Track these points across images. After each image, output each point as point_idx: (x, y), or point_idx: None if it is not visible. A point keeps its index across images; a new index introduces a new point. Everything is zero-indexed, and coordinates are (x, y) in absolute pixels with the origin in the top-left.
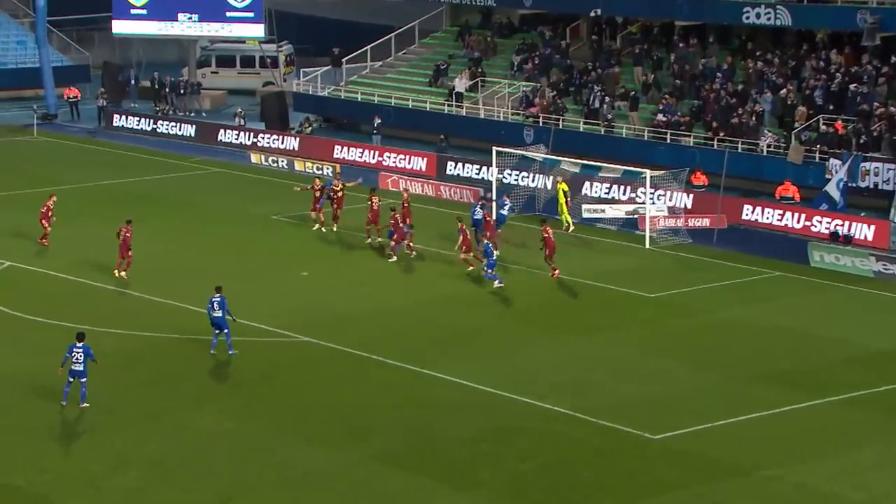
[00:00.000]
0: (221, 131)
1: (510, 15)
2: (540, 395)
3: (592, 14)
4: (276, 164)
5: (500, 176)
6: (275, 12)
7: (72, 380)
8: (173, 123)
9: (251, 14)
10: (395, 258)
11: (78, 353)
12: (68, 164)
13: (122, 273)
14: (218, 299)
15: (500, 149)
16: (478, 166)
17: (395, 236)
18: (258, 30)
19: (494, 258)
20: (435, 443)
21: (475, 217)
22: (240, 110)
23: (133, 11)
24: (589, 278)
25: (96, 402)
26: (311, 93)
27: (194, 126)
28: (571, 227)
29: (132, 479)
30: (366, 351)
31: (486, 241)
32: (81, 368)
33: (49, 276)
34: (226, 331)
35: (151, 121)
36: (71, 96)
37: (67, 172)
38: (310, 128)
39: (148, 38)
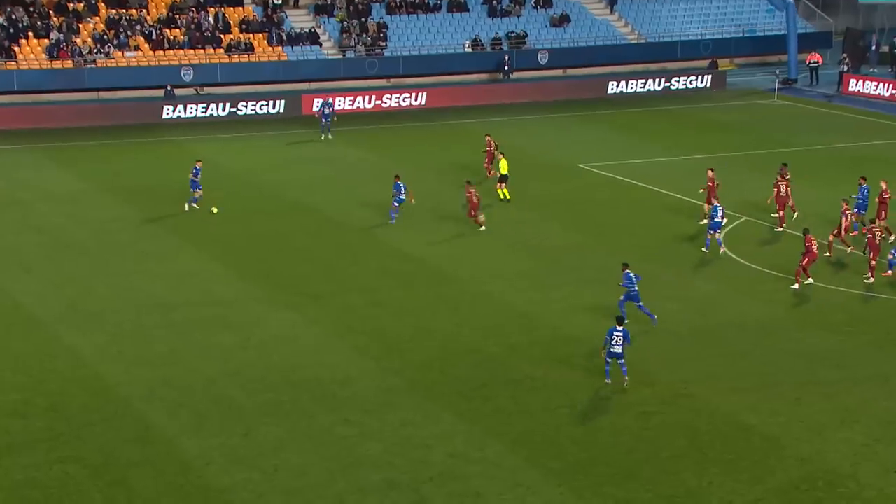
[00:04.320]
0: None
1: None
2: None
3: None
4: None
5: None
6: None
7: (609, 360)
8: None
9: None
10: None
11: (617, 336)
12: (803, 128)
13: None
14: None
15: None
16: None
17: None
18: None
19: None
20: None
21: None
22: None
23: None
24: None
25: (827, 357)
26: None
27: None
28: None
29: (858, 433)
30: None
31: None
32: (619, 350)
33: (783, 232)
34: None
35: (890, 86)
36: (812, 61)
37: (801, 135)
38: None
39: (893, 4)
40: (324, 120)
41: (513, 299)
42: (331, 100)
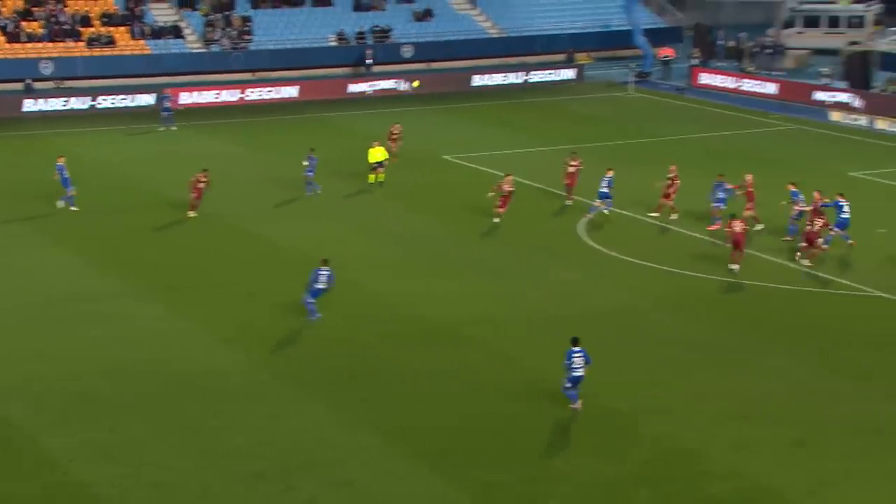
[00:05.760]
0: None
1: None
2: None
3: None
4: (856, 123)
5: None
6: None
7: (574, 386)
8: (756, 82)
9: None
10: None
11: (577, 358)
12: (658, 119)
13: None
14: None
15: None
16: None
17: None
18: None
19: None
20: None
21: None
22: (827, 70)
23: None
24: None
25: (687, 338)
26: None
27: (777, 84)
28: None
29: (713, 409)
30: None
31: None
32: (583, 374)
33: (641, 221)
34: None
35: (735, 79)
36: (664, 55)
37: (657, 126)
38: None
39: (734, 1)
40: (163, 112)
41: (380, 288)
42: (168, 93)
